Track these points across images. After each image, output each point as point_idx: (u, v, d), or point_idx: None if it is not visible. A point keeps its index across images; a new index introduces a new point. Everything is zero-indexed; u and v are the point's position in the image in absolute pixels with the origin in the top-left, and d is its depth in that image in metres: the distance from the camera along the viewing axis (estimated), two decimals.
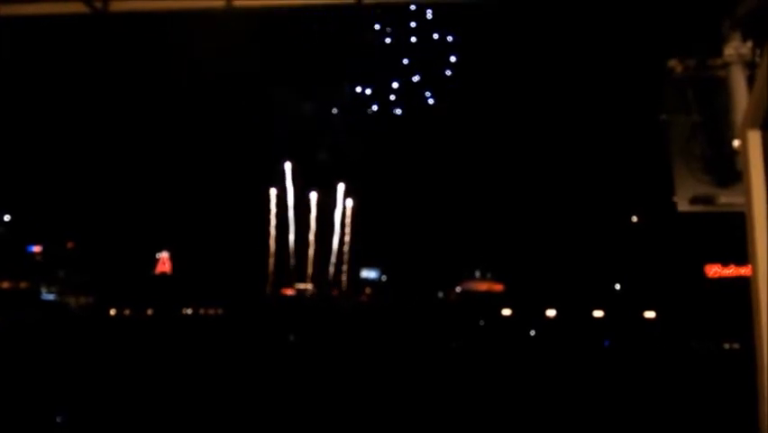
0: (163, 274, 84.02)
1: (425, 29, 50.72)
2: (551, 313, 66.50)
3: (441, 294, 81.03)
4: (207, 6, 9.58)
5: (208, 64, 52.51)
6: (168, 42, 44.33)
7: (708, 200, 6.98)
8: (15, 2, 8.66)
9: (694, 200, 7.12)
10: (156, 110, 59.33)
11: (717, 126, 7.05)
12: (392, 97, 53.56)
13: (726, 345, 36.81)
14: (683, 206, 7.25)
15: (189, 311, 72.13)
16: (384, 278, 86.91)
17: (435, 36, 51.03)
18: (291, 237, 71.95)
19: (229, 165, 66.37)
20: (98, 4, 8.49)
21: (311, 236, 71.77)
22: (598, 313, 63.53)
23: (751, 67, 6.72)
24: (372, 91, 53.80)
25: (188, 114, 58.25)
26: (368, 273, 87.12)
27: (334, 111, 55.80)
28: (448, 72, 55.65)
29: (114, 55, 53.69)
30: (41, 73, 56.38)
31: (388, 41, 51.85)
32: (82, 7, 8.49)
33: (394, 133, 58.27)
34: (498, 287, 79.50)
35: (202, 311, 72.60)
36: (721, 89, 7.10)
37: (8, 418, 15.50)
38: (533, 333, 52.89)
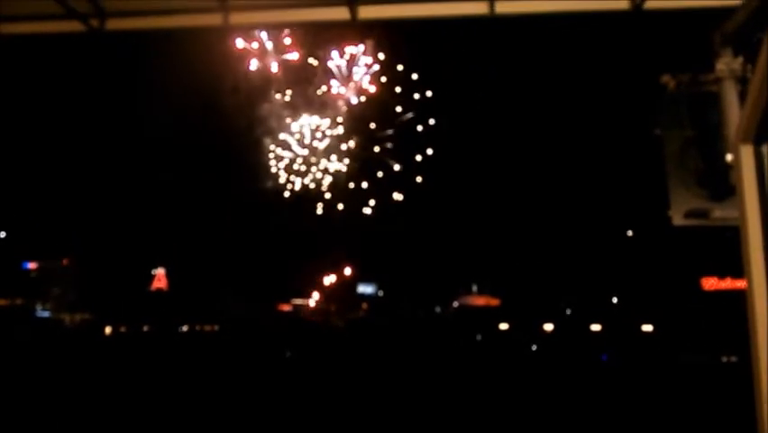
0: (159, 291, 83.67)
1: (418, 45, 51.13)
2: (548, 327, 66.36)
3: (438, 309, 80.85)
4: (204, 24, 9.66)
5: (202, 79, 52.71)
6: (164, 58, 44.57)
7: (702, 214, 7.02)
8: (14, 21, 8.72)
9: (689, 214, 7.16)
10: (152, 127, 59.47)
11: (711, 141, 7.11)
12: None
13: (724, 358, 36.75)
14: (678, 220, 7.29)
15: (185, 328, 71.74)
16: (381, 293, 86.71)
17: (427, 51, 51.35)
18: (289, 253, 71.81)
19: (227, 178, 66.43)
20: (95, 23, 8.56)
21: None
22: (595, 327, 63.41)
23: (742, 82, 6.79)
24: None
25: (183, 130, 58.39)
26: (365, 288, 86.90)
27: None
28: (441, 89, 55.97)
29: (109, 71, 53.89)
30: (37, 90, 56.49)
31: (381, 56, 52.26)
32: (79, 26, 8.57)
33: (392, 150, 58.42)
34: (495, 302, 79.41)
35: (198, 327, 72.22)
36: (714, 104, 7.17)
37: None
38: (534, 348, 52.72)
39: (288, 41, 48.91)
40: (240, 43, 49.50)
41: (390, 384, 27.17)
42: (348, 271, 78.95)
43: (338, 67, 51.41)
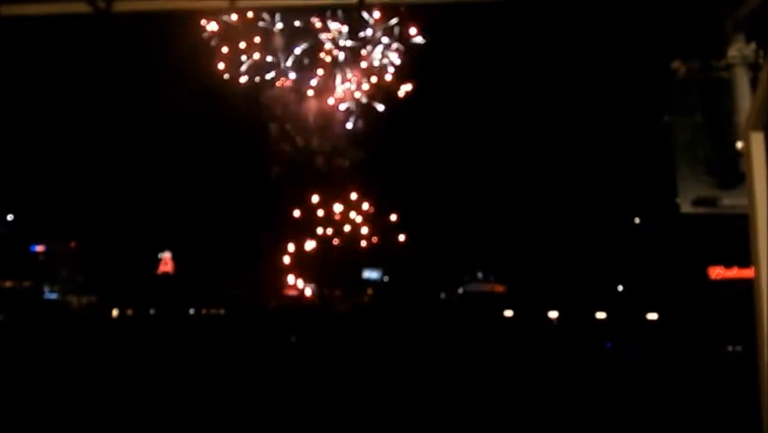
0: (165, 274, 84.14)
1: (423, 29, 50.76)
2: (553, 315, 66.43)
3: (443, 295, 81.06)
4: (211, 7, 9.63)
5: (209, 63, 52.66)
6: (168, 42, 44.51)
7: (710, 202, 6.97)
8: (19, 2, 8.69)
9: (697, 202, 7.10)
10: (159, 109, 59.48)
11: (721, 128, 7.03)
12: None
13: (729, 348, 36.72)
14: (686, 207, 7.23)
15: (192, 311, 72.23)
16: (386, 278, 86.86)
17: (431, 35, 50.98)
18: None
19: (233, 163, 66.53)
20: (102, 4, 8.52)
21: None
22: (600, 315, 63.45)
23: (754, 68, 6.70)
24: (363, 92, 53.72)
25: (192, 112, 58.38)
26: (370, 274, 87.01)
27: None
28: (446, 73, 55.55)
29: (118, 54, 53.82)
30: (44, 73, 56.51)
31: (386, 40, 51.84)
32: (85, 7, 8.53)
33: (396, 132, 58.18)
34: (500, 288, 79.49)
35: (204, 311, 72.70)
36: (725, 91, 7.08)
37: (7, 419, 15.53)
38: (536, 333, 52.84)
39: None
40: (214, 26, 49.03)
41: (394, 367, 27.34)
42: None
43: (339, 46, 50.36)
